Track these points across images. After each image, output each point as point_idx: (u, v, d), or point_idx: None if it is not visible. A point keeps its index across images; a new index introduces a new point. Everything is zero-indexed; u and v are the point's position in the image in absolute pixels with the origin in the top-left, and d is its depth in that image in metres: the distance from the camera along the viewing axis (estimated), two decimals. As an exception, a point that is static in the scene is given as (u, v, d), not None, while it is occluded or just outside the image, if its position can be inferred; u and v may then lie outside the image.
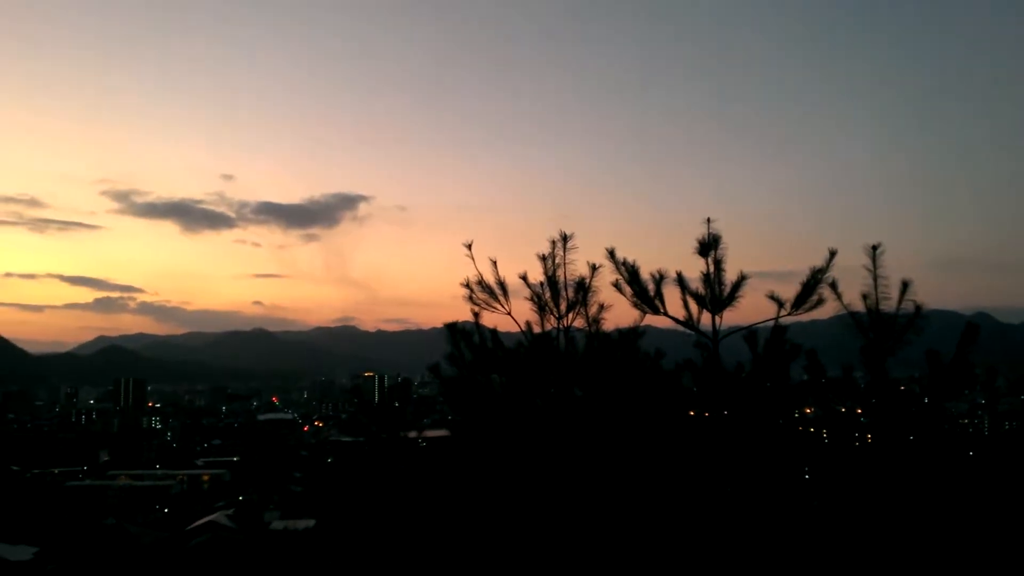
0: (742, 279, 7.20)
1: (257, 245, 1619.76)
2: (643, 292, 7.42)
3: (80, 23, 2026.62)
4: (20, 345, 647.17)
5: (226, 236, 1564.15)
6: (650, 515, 6.80)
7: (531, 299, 7.78)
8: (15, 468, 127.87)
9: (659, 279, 7.40)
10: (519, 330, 7.86)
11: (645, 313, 7.48)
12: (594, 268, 7.52)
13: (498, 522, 7.48)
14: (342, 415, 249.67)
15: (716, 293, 7.18)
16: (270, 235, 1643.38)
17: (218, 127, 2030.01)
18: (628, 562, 6.66)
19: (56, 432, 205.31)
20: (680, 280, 7.38)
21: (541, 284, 7.65)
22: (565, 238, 7.61)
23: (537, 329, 7.74)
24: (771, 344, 7.07)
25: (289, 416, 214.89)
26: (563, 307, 7.61)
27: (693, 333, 7.28)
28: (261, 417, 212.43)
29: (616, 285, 7.50)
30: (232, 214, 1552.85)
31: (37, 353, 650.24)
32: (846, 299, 6.80)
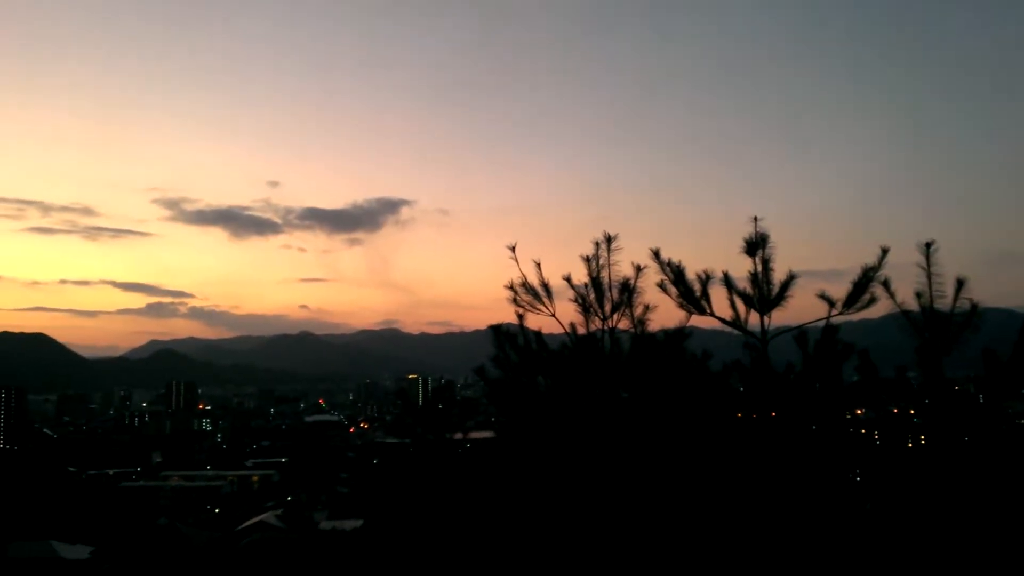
0: (791, 278, 7.09)
1: (303, 250, 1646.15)
2: (689, 292, 7.35)
3: (130, 38, 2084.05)
4: (75, 350, 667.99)
5: (273, 242, 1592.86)
6: (699, 519, 6.73)
7: (575, 300, 7.76)
8: (72, 469, 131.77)
9: (705, 279, 7.33)
10: (563, 332, 7.85)
11: (691, 314, 7.40)
12: (639, 269, 7.47)
13: (543, 524, 7.48)
14: (387, 417, 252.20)
15: (764, 293, 7.08)
16: (315, 240, 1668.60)
17: (264, 135, 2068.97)
18: (677, 565, 6.61)
19: (111, 434, 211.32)
20: (727, 280, 7.30)
21: (585, 285, 7.63)
22: (609, 239, 7.58)
23: (581, 331, 7.72)
24: (822, 344, 6.94)
25: (335, 418, 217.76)
26: (608, 308, 7.57)
27: (741, 334, 7.19)
28: (308, 419, 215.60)
29: (661, 286, 7.44)
30: (278, 220, 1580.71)
31: (92, 358, 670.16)
32: (899, 298, 6.65)
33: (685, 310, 7.41)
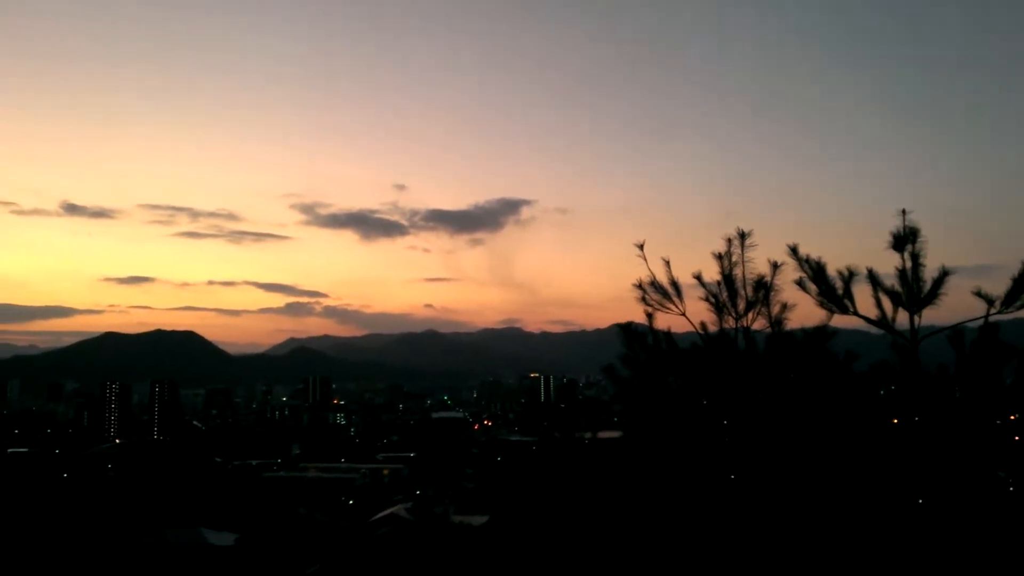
0: (944, 274, 6.63)
1: (427, 251, 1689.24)
2: (830, 290, 7.01)
3: (269, 54, 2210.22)
4: (221, 347, 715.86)
5: (399, 243, 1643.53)
6: (843, 526, 6.41)
7: (706, 299, 7.55)
8: (219, 460, 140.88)
9: (848, 276, 6.97)
10: (694, 331, 7.66)
11: (832, 313, 7.06)
12: (775, 266, 7.18)
13: (672, 526, 7.34)
14: (509, 415, 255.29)
15: (914, 290, 6.66)
16: (439, 241, 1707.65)
17: (391, 141, 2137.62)
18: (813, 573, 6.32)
19: (253, 427, 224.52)
20: (872, 276, 6.91)
21: (718, 283, 7.41)
22: (743, 235, 7.32)
23: (713, 329, 7.51)
24: (979, 344, 6.46)
25: (460, 415, 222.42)
26: (742, 307, 7.33)
27: (888, 333, 6.79)
28: (435, 415, 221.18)
29: (800, 283, 7.14)
30: (404, 222, 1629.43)
31: (236, 354, 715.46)
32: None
33: (826, 309, 7.08)
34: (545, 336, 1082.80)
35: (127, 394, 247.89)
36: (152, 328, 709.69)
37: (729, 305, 7.33)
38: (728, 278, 7.35)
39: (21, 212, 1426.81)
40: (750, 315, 7.30)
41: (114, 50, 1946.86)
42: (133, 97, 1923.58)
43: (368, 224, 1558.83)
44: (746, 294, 7.30)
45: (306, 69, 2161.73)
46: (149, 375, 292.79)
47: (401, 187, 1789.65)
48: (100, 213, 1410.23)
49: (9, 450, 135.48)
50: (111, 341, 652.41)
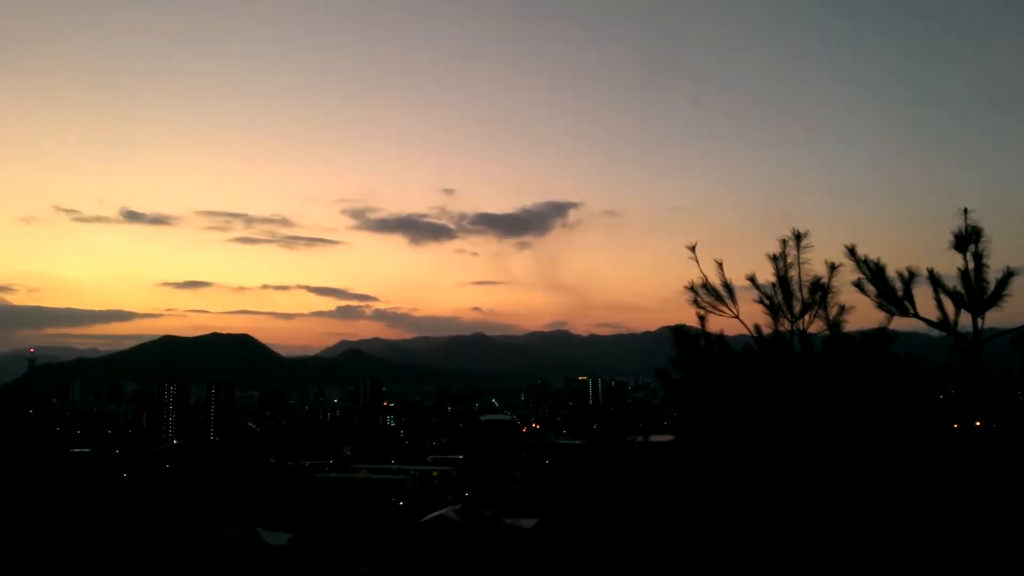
0: (1009, 275, 6.43)
1: (475, 254, 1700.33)
2: (889, 292, 6.85)
3: (317, 65, 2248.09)
4: (275, 350, 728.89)
5: (448, 247, 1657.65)
6: (903, 534, 6.25)
7: (760, 301, 7.45)
8: (273, 460, 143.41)
9: (908, 277, 6.80)
10: (748, 333, 7.56)
11: (892, 315, 6.89)
12: (832, 267, 7.05)
13: (724, 532, 7.25)
14: (558, 418, 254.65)
15: (977, 291, 6.47)
16: (486, 244, 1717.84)
17: (440, 146, 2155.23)
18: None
19: (306, 428, 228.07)
20: (933, 278, 6.73)
21: (773, 285, 7.30)
22: (798, 236, 7.19)
23: (768, 332, 7.40)
24: (1047, 348, 6.24)
25: (508, 418, 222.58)
26: (797, 309, 7.21)
27: (949, 336, 6.61)
28: (483, 418, 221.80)
29: (858, 285, 6.99)
30: (452, 226, 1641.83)
31: (289, 357, 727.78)
32: None
33: (885, 311, 6.92)
34: (593, 339, 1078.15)
35: (184, 395, 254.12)
36: (208, 331, 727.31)
37: (784, 307, 7.21)
38: (783, 280, 7.24)
39: (83, 219, 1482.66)
40: (806, 317, 7.18)
41: (172, 63, 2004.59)
42: (190, 108, 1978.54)
43: (417, 228, 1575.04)
44: (802, 296, 7.18)
45: (356, 77, 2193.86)
46: (205, 377, 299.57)
47: (449, 191, 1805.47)
48: (159, 220, 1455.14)
49: (72, 450, 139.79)
50: (169, 344, 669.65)
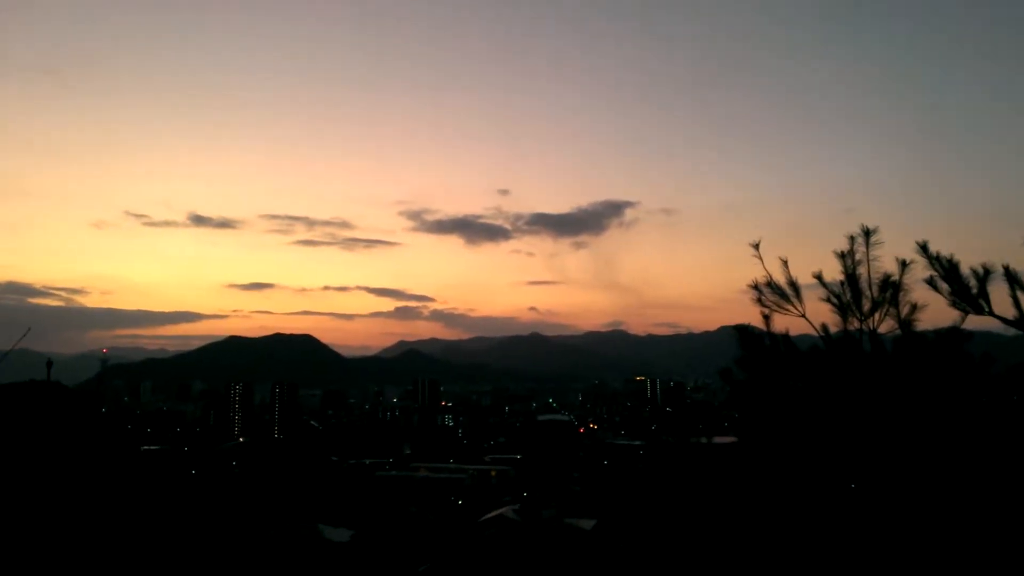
0: (1092, 272, 6.14)
1: (531, 255, 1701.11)
2: (963, 289, 6.60)
3: (374, 72, 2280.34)
4: (336, 349, 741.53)
5: (503, 247, 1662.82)
6: (977, 538, 6.03)
7: (828, 300, 7.26)
8: (334, 458, 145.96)
9: (983, 274, 6.53)
10: (814, 333, 7.38)
11: (966, 313, 6.64)
12: (904, 264, 6.83)
13: (788, 535, 7.10)
14: (615, 418, 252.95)
15: (1059, 288, 6.19)
16: (542, 244, 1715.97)
17: (495, 147, 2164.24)
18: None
19: (367, 427, 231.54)
20: (1009, 274, 6.46)
21: (841, 283, 7.11)
22: (868, 232, 6.99)
23: (836, 331, 7.21)
24: None
25: (566, 418, 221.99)
26: (866, 307, 7.01)
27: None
28: (540, 418, 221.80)
29: (930, 282, 6.75)
30: (508, 226, 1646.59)
31: (349, 356, 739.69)
32: None
33: (959, 309, 6.67)
34: (651, 339, 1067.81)
35: (250, 394, 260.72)
36: (272, 332, 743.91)
37: (853, 306, 7.02)
38: (852, 277, 7.04)
39: (152, 223, 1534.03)
40: (876, 316, 6.98)
41: (236, 74, 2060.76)
42: (254, 115, 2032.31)
43: (473, 229, 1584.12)
44: (872, 294, 6.97)
45: (412, 82, 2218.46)
46: (269, 377, 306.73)
47: (505, 192, 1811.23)
48: (224, 223, 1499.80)
49: (143, 448, 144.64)
50: (234, 344, 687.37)
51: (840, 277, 7.16)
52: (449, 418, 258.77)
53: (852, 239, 7.13)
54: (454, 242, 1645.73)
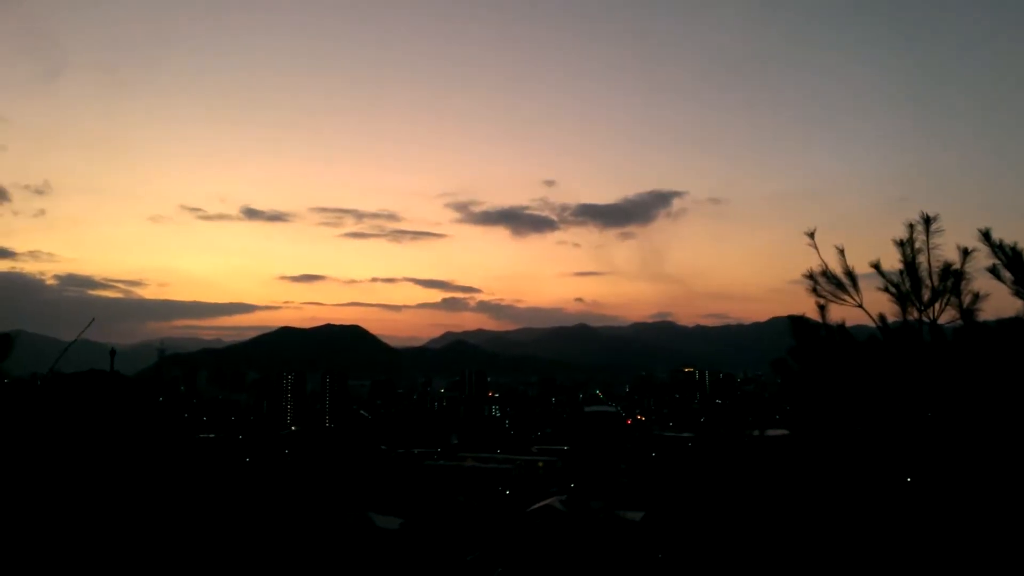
0: None
1: (577, 245, 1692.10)
2: (1029, 278, 6.38)
3: (420, 64, 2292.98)
4: (384, 340, 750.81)
5: (549, 238, 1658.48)
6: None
7: (885, 289, 7.08)
8: (383, 447, 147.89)
9: (1050, 262, 6.31)
10: (872, 323, 7.20)
11: (1032, 302, 6.42)
12: (965, 252, 6.63)
13: (842, 530, 6.96)
14: (663, 410, 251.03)
15: None
16: (588, 235, 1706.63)
17: (540, 138, 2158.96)
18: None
19: (415, 417, 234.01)
20: (1078, 262, 6.23)
21: (900, 272, 6.92)
22: (927, 220, 6.79)
23: (893, 321, 7.03)
24: None
25: (613, 409, 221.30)
26: (926, 297, 6.82)
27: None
28: (587, 409, 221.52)
29: (993, 271, 6.54)
30: (554, 217, 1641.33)
31: (397, 347, 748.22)
32: None
33: (1023, 298, 6.45)
34: (699, 330, 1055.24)
35: (302, 384, 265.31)
36: (322, 323, 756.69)
37: (913, 295, 6.83)
38: (911, 266, 6.85)
39: (207, 217, 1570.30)
40: (936, 306, 6.78)
41: (285, 72, 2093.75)
42: (303, 111, 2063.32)
43: (519, 220, 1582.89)
44: (932, 283, 6.78)
45: (456, 74, 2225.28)
46: (320, 366, 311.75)
47: (551, 183, 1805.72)
48: (276, 217, 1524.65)
49: (198, 436, 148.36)
50: (286, 335, 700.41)
51: (898, 266, 6.97)
52: (496, 408, 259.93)
53: (911, 227, 6.94)
54: (500, 233, 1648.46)
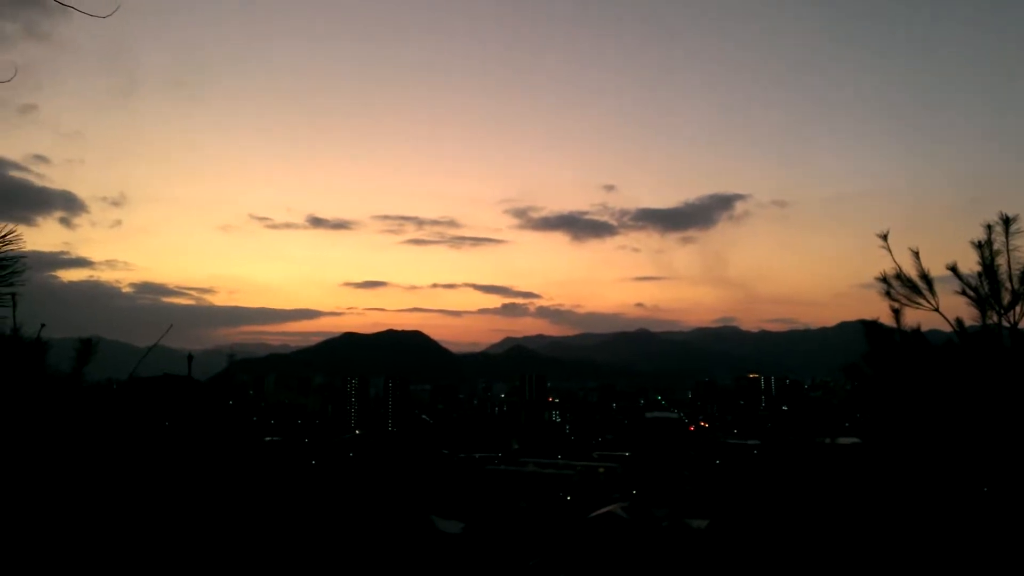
0: None
1: (637, 250, 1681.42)
2: (1117, 280, 6.09)
3: (478, 74, 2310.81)
4: (445, 346, 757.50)
5: (609, 243, 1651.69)
6: None
7: (963, 292, 6.84)
8: (445, 452, 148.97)
9: None
10: (947, 328, 6.97)
11: (1121, 306, 6.13)
12: (1048, 254, 6.36)
13: (916, 541, 6.75)
14: (727, 416, 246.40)
15: None
16: (648, 240, 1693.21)
17: (599, 143, 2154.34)
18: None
19: (476, 422, 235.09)
20: None
21: (978, 275, 6.67)
22: (1007, 221, 6.53)
23: (971, 325, 6.78)
24: None
25: (675, 416, 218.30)
26: (1006, 300, 6.56)
27: None
28: (649, 415, 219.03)
29: (1078, 273, 6.27)
30: (614, 222, 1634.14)
31: (458, 352, 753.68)
32: None
33: (1112, 301, 6.17)
34: (763, 335, 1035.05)
35: (365, 388, 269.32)
36: (384, 328, 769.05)
37: (992, 299, 6.58)
38: (990, 268, 6.60)
39: (274, 226, 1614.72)
40: (1017, 309, 6.52)
41: (347, 86, 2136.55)
42: (366, 122, 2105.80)
43: (578, 226, 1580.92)
44: (1012, 286, 6.52)
45: (514, 81, 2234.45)
46: (382, 371, 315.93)
47: (610, 188, 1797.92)
48: (340, 225, 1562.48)
49: (266, 439, 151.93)
50: (350, 340, 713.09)
51: (976, 268, 6.72)
52: (556, 414, 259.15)
53: (989, 228, 6.68)
54: (559, 239, 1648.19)
